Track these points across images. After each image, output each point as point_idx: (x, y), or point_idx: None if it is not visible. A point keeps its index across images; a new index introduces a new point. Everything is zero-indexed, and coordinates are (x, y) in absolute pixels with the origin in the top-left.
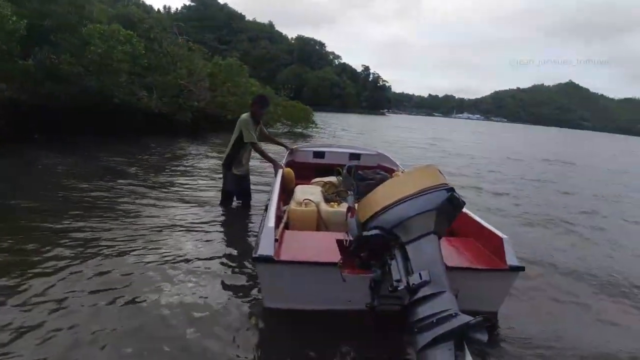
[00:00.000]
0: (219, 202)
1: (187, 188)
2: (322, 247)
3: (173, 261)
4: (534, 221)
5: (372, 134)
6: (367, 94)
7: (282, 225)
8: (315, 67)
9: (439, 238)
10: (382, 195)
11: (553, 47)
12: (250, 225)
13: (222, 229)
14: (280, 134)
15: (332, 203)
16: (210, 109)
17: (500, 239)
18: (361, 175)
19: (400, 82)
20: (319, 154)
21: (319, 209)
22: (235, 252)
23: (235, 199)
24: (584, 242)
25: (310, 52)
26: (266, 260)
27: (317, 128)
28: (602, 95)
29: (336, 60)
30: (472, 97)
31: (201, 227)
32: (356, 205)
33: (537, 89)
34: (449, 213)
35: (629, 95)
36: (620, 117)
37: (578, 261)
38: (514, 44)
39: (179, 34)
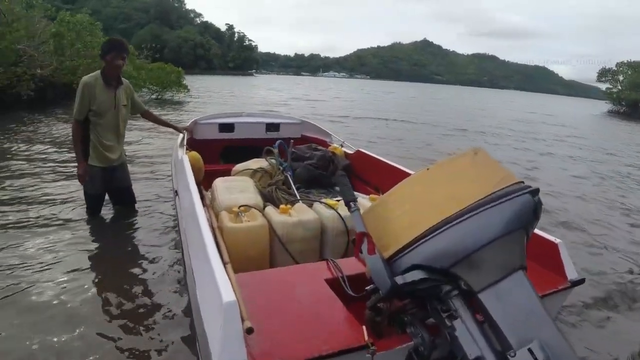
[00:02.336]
0: (86, 212)
1: (31, 196)
2: (312, 305)
3: None
4: None
5: (248, 95)
6: (233, 55)
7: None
8: (175, 26)
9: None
10: (417, 206)
11: (406, 3)
12: (152, 258)
13: (96, 277)
14: (148, 101)
15: (283, 206)
16: (57, 77)
17: (555, 245)
18: (295, 153)
19: (266, 41)
20: (227, 127)
21: (270, 223)
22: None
23: (112, 204)
24: None
25: (168, 10)
26: None
27: (190, 93)
28: (453, 51)
29: (197, 19)
30: (337, 55)
31: (52, 276)
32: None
33: (396, 47)
34: (531, 229)
35: (476, 51)
36: (468, 71)
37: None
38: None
39: None
